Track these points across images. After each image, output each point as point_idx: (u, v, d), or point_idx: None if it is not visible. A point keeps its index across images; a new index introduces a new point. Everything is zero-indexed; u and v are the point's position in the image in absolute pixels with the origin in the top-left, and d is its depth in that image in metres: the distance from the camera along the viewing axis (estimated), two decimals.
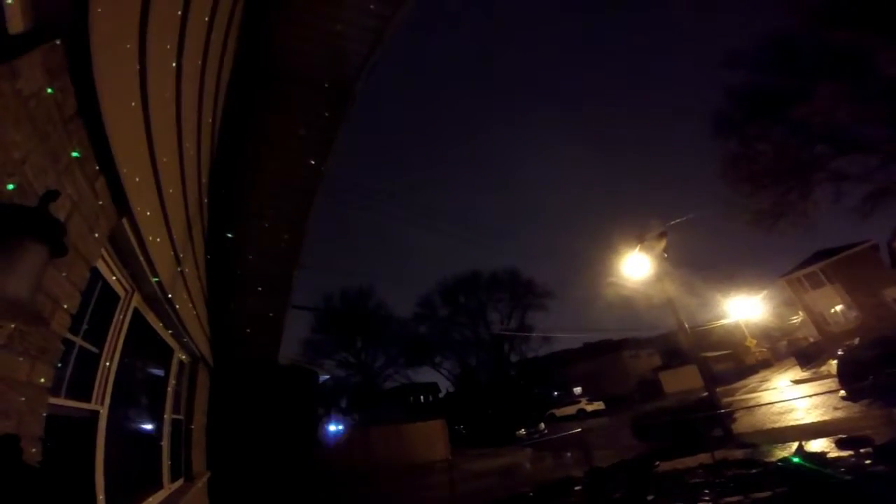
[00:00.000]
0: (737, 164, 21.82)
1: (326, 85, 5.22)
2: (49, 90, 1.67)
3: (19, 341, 1.60)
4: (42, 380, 1.79)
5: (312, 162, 6.09)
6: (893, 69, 15.86)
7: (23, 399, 1.63)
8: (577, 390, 44.99)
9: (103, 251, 2.62)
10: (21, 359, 1.63)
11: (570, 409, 36.05)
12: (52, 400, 2.14)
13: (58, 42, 1.67)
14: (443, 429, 21.72)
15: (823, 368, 21.16)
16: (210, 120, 4.70)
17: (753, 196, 21.86)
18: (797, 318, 39.56)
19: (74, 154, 1.92)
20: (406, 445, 20.50)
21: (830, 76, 17.64)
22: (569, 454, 16.74)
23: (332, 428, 42.28)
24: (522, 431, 28.66)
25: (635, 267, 15.17)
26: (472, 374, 49.37)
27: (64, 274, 1.90)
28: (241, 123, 5.72)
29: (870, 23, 15.81)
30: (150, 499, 4.00)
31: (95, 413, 2.84)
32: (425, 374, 55.15)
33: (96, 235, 2.22)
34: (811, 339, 34.58)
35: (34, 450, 1.71)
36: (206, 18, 3.42)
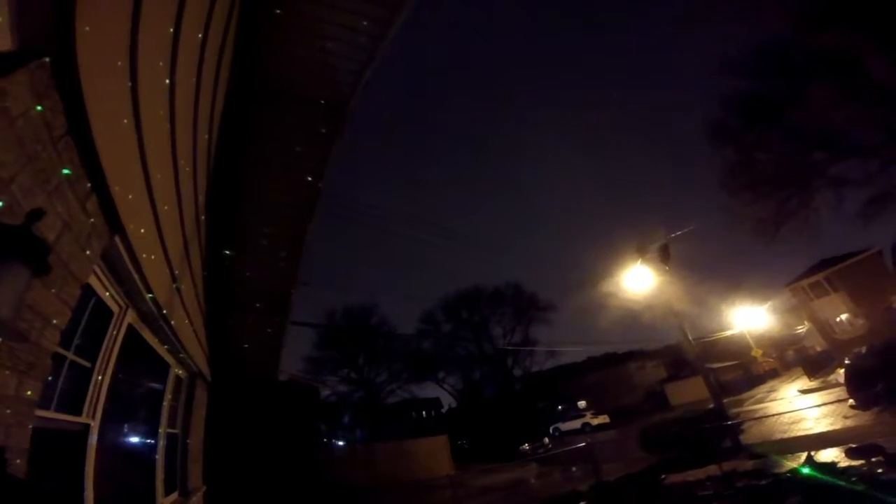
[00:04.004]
0: (736, 172, 21.85)
1: (322, 101, 5.30)
2: (38, 108, 1.67)
3: (7, 356, 1.60)
4: (29, 393, 1.79)
5: (309, 178, 6.14)
6: (882, 72, 15.94)
7: (9, 412, 1.63)
8: (582, 404, 44.58)
9: (96, 268, 2.62)
10: (8, 373, 1.63)
11: (576, 423, 35.77)
12: (42, 413, 2.14)
13: (46, 60, 1.68)
14: (446, 444, 21.55)
15: (832, 377, 20.96)
16: (206, 137, 4.75)
17: (754, 204, 21.85)
18: (803, 327, 39.25)
19: (65, 172, 1.92)
20: (409, 461, 20.32)
21: (822, 80, 17.71)
22: (574, 468, 16.53)
23: (335, 443, 41.89)
24: (527, 446, 28.41)
25: (638, 280, 15.17)
26: (476, 389, 49.05)
27: (54, 291, 1.90)
28: (237, 141, 5.77)
29: (856, 26, 15.94)
30: None
31: (86, 426, 2.85)
32: (428, 390, 54.80)
33: (88, 253, 2.23)
34: (818, 348, 34.30)
35: (19, 461, 1.71)
36: (200, 35, 3.47)
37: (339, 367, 47.09)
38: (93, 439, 2.88)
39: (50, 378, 2.15)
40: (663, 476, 9.97)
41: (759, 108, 20.19)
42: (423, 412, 56.41)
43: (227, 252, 7.22)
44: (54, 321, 1.96)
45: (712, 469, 9.04)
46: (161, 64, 2.79)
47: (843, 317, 31.04)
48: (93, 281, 2.69)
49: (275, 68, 5.00)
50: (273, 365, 11.44)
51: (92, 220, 2.23)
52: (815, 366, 27.46)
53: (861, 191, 20.28)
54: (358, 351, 47.24)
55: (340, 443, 44.91)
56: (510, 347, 46.90)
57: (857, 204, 20.91)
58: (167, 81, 2.94)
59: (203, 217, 5.51)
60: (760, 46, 20.24)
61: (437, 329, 49.98)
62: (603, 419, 34.89)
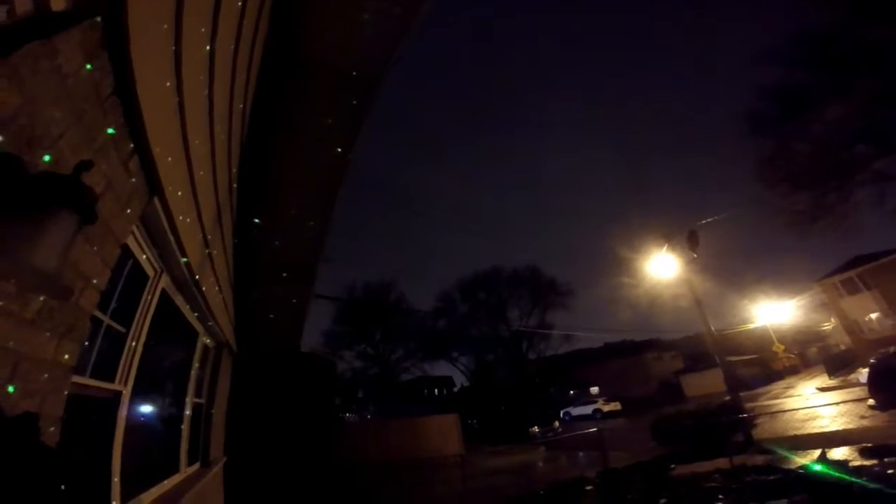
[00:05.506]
0: (773, 164, 21.06)
1: (354, 73, 5.26)
2: (88, 67, 1.68)
3: (47, 318, 1.57)
4: (67, 357, 1.75)
5: (339, 150, 6.16)
6: None
7: (46, 377, 1.60)
8: (595, 390, 44.58)
9: (134, 229, 2.63)
10: (48, 334, 1.59)
11: (587, 409, 35.82)
12: (76, 379, 2.11)
13: (98, 19, 1.68)
14: (457, 423, 21.75)
15: (852, 376, 20.51)
16: (241, 106, 4.77)
17: (791, 197, 21.08)
18: (829, 325, 38.40)
19: (110, 132, 1.94)
20: (420, 438, 20.59)
21: (871, 72, 16.81)
22: (581, 454, 16.62)
23: (348, 418, 42.84)
24: (536, 429, 28.57)
25: (662, 267, 14.95)
26: (489, 370, 49.33)
27: (95, 249, 1.90)
28: (269, 111, 5.79)
29: None
30: (165, 482, 4.00)
31: (118, 394, 2.82)
32: (441, 368, 55.44)
33: (128, 212, 2.24)
34: (842, 346, 33.56)
35: (52, 429, 1.68)
36: (239, 3, 3.46)
37: (355, 343, 47.90)
38: (123, 407, 2.86)
39: (86, 343, 2.10)
40: (672, 466, 9.98)
41: (802, 99, 19.31)
42: (436, 390, 57.14)
43: (256, 221, 7.30)
44: (94, 281, 1.94)
45: (722, 462, 9.01)
46: (203, 30, 2.79)
47: (873, 316, 30.26)
48: (130, 242, 2.70)
49: (309, 39, 4.96)
50: (296, 336, 11.63)
51: (133, 179, 2.24)
52: (836, 364, 26.89)
53: None
54: (375, 327, 47.83)
55: (355, 417, 45.93)
56: (525, 329, 46.85)
57: None
58: (207, 48, 2.94)
59: (235, 185, 5.56)
60: (806, 35, 19.25)
61: (454, 308, 50.17)
62: (614, 406, 34.83)
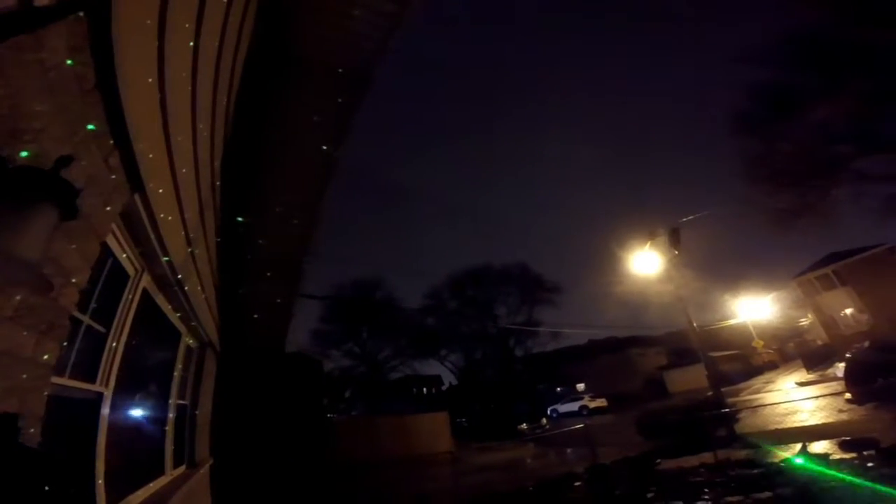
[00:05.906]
0: (757, 162, 21.44)
1: (341, 70, 5.22)
2: (69, 62, 1.66)
3: (27, 314, 1.54)
4: (47, 357, 1.71)
5: (325, 147, 6.10)
6: None
7: (25, 376, 1.57)
8: (581, 387, 44.93)
9: (115, 227, 2.59)
10: (27, 333, 1.56)
11: (573, 406, 36.15)
12: (56, 379, 2.06)
13: (81, 14, 1.66)
14: (447, 421, 21.80)
15: (830, 371, 21.00)
16: (225, 103, 4.70)
17: (773, 195, 21.50)
18: (806, 320, 39.26)
19: (91, 127, 1.90)
20: (411, 436, 20.55)
21: (858, 74, 17.11)
22: (570, 450, 16.76)
23: (337, 417, 42.51)
24: (525, 426, 28.76)
25: (645, 264, 15.13)
26: (477, 368, 49.29)
27: (74, 246, 1.86)
28: (255, 108, 5.72)
29: None
30: (151, 484, 3.94)
31: (99, 395, 2.77)
32: (429, 367, 55.11)
33: (108, 209, 2.20)
34: (819, 342, 34.33)
35: (33, 430, 1.65)
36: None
37: (342, 342, 47.35)
38: (105, 409, 2.81)
39: (65, 342, 2.03)
40: (658, 461, 10.14)
41: (788, 99, 19.58)
42: (424, 389, 56.95)
43: (240, 219, 7.19)
44: (73, 279, 1.90)
45: (706, 457, 9.19)
46: (187, 26, 2.75)
47: (848, 311, 31.01)
48: (110, 241, 2.64)
49: (295, 34, 4.91)
50: (281, 336, 11.50)
51: (113, 176, 2.20)
52: (814, 359, 27.48)
53: (883, 186, 19.92)
54: (362, 325, 47.40)
55: (342, 417, 45.55)
56: (513, 327, 46.80)
57: (878, 200, 20.54)
58: (191, 44, 2.90)
59: (218, 183, 5.48)
60: (793, 35, 19.47)
61: (443, 305, 49.76)
62: (600, 402, 35.16)
